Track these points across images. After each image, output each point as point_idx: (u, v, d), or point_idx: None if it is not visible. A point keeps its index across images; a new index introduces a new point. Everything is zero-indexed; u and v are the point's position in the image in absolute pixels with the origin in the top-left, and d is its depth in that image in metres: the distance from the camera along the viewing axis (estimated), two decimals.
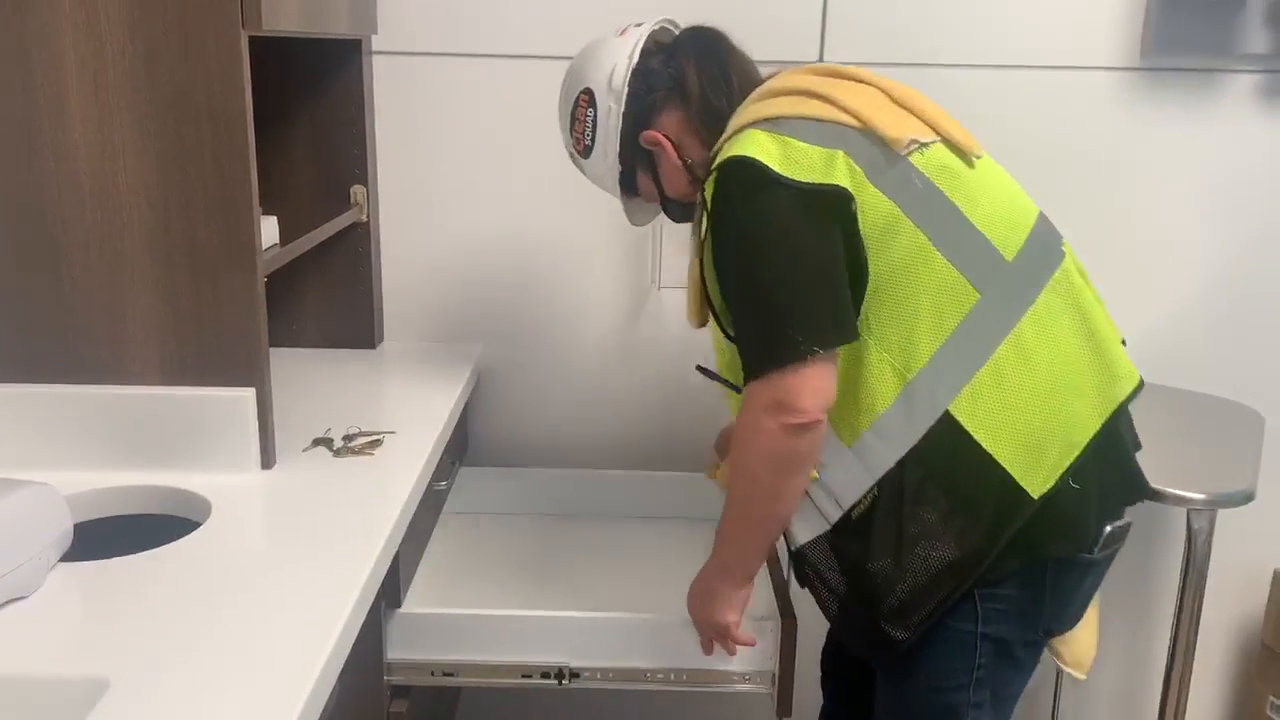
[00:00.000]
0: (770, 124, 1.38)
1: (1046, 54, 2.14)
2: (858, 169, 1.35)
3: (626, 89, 1.53)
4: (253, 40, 1.49)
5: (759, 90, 1.48)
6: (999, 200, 1.44)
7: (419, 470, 1.65)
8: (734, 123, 1.44)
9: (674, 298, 2.26)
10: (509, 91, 2.16)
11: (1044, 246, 1.45)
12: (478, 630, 1.64)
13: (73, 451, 1.57)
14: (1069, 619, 1.49)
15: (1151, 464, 1.53)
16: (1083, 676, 1.57)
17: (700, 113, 1.52)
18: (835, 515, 1.42)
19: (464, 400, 2.06)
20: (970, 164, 1.43)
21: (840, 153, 1.35)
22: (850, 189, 1.33)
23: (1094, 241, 1.87)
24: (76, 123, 1.49)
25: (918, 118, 1.42)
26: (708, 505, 2.12)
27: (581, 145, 1.60)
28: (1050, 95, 2.15)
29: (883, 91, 1.44)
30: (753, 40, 1.60)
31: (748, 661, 1.64)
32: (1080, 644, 1.54)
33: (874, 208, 1.35)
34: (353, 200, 2.12)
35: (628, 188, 1.62)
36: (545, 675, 1.65)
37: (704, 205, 1.40)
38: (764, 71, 1.56)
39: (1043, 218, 1.48)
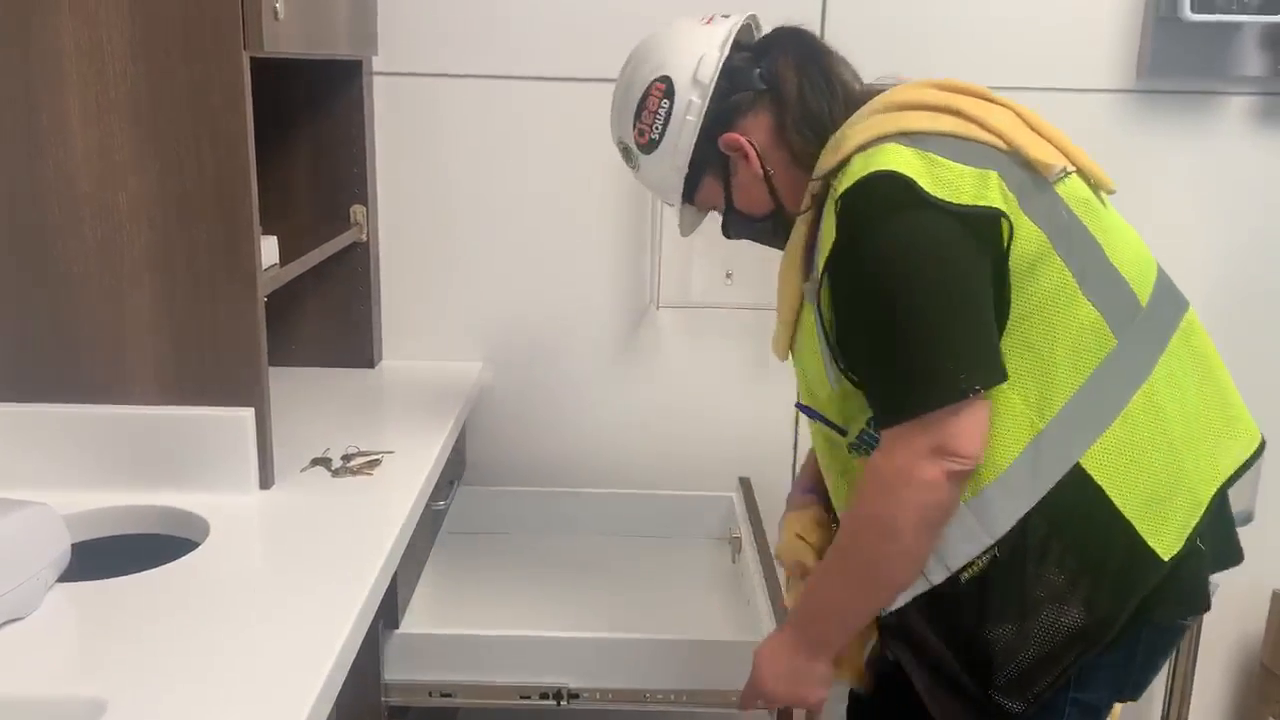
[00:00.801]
0: (908, 139, 1.23)
1: (1044, 75, 2.15)
2: (1010, 193, 1.22)
3: (713, 85, 1.39)
4: (254, 61, 1.49)
5: (876, 104, 1.33)
6: (1130, 241, 1.33)
7: (417, 490, 1.65)
8: (850, 137, 1.28)
9: (672, 316, 2.27)
10: (508, 112, 2.17)
11: (1171, 293, 1.35)
12: (476, 651, 1.63)
13: (71, 471, 1.57)
14: (1146, 685, 1.38)
15: None
16: None
17: (797, 120, 1.37)
18: (940, 577, 1.26)
19: (462, 420, 2.06)
20: (1103, 200, 1.32)
21: (993, 173, 1.22)
22: (1006, 212, 1.21)
23: None
24: (78, 142, 1.49)
25: (1053, 145, 1.30)
26: (706, 525, 2.13)
27: (646, 138, 1.42)
28: (1047, 116, 2.12)
29: (1015, 113, 1.32)
30: None
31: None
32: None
33: (1026, 237, 1.22)
34: (353, 220, 2.13)
35: (688, 193, 1.47)
36: (544, 696, 1.64)
37: (833, 221, 1.24)
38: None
39: (1160, 265, 1.37)
